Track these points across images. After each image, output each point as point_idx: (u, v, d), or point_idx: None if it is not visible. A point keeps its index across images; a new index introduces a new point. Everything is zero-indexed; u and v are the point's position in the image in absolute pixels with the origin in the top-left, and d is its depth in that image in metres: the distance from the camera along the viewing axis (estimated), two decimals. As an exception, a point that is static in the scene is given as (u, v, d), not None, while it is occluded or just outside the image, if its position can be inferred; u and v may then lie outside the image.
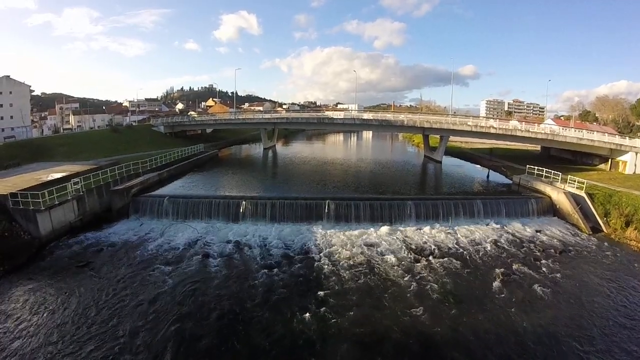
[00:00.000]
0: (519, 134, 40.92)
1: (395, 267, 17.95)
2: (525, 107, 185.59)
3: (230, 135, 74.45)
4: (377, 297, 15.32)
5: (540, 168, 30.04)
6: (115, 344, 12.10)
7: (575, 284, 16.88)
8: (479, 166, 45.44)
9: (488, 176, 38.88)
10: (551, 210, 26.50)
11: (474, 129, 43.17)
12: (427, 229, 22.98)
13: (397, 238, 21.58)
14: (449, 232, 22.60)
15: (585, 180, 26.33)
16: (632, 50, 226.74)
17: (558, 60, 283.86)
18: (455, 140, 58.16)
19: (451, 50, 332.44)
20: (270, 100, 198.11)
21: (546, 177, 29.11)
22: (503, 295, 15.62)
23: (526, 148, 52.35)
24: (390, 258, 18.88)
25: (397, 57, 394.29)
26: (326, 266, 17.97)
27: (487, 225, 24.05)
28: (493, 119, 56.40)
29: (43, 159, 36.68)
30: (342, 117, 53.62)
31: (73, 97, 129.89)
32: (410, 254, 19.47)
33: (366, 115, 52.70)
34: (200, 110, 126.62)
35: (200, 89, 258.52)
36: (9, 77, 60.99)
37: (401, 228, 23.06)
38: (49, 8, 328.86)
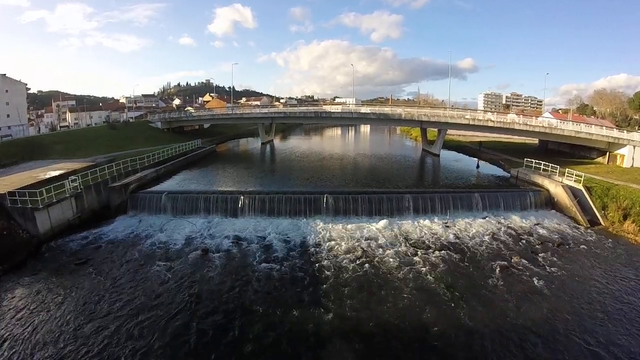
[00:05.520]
0: (517, 127, 40.93)
1: (394, 261, 18.00)
2: (523, 100, 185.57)
3: (228, 130, 74.27)
4: (376, 291, 15.39)
5: (538, 161, 30.06)
6: (115, 341, 12.15)
7: (574, 276, 16.98)
8: (476, 159, 45.41)
9: (478, 166, 39.19)
10: (549, 203, 26.54)
11: (471, 122, 43.15)
12: (425, 222, 23.04)
13: (395, 231, 21.65)
14: (447, 225, 22.65)
15: (583, 174, 26.28)
16: (632, 43, 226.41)
17: (557, 53, 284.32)
18: (453, 134, 58.04)
19: (450, 44, 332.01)
20: (267, 95, 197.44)
21: (544, 170, 29.14)
22: (502, 288, 15.71)
23: (524, 141, 52.34)
24: (389, 251, 18.94)
25: (394, 51, 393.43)
26: (325, 260, 18.04)
27: (485, 218, 24.11)
28: (491, 112, 56.44)
29: (40, 157, 36.56)
30: (340, 110, 53.43)
31: (69, 94, 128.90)
32: (409, 247, 19.53)
33: (364, 109, 52.48)
34: (198, 105, 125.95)
35: (197, 84, 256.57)
36: (5, 76, 60.33)
37: (399, 221, 23.09)
38: (42, 5, 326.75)
